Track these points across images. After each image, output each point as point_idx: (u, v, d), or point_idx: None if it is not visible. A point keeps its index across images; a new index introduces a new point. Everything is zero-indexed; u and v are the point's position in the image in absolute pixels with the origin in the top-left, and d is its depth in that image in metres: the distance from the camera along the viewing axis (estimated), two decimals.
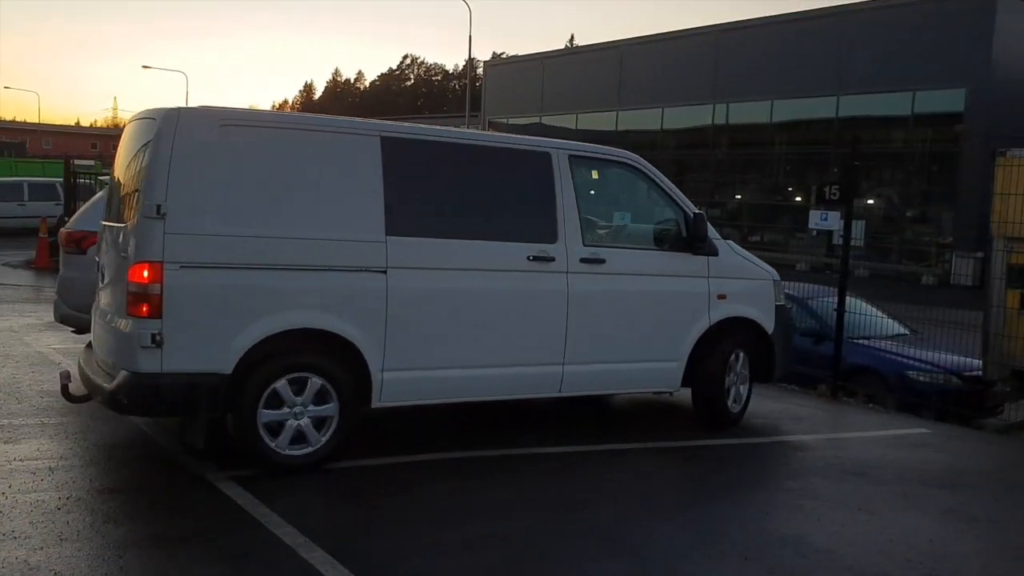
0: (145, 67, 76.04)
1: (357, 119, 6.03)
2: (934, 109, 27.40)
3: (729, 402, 7.10)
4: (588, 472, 5.98)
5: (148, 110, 5.63)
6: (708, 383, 6.93)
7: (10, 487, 5.06)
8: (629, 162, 6.85)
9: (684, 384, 6.93)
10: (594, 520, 5.05)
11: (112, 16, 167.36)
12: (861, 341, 9.70)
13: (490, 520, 4.97)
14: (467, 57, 51.30)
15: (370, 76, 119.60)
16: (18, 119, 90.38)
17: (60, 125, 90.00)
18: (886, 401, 9.04)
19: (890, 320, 10.62)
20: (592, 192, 7.29)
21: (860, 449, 7.04)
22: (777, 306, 7.29)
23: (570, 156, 6.40)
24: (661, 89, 35.05)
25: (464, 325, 5.86)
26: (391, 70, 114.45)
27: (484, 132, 6.97)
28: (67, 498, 5.00)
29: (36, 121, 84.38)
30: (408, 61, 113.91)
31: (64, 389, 5.62)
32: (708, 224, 6.78)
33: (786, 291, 8.13)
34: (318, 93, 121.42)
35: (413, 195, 5.76)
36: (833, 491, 5.81)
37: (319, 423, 5.45)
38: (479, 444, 6.36)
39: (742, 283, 7.08)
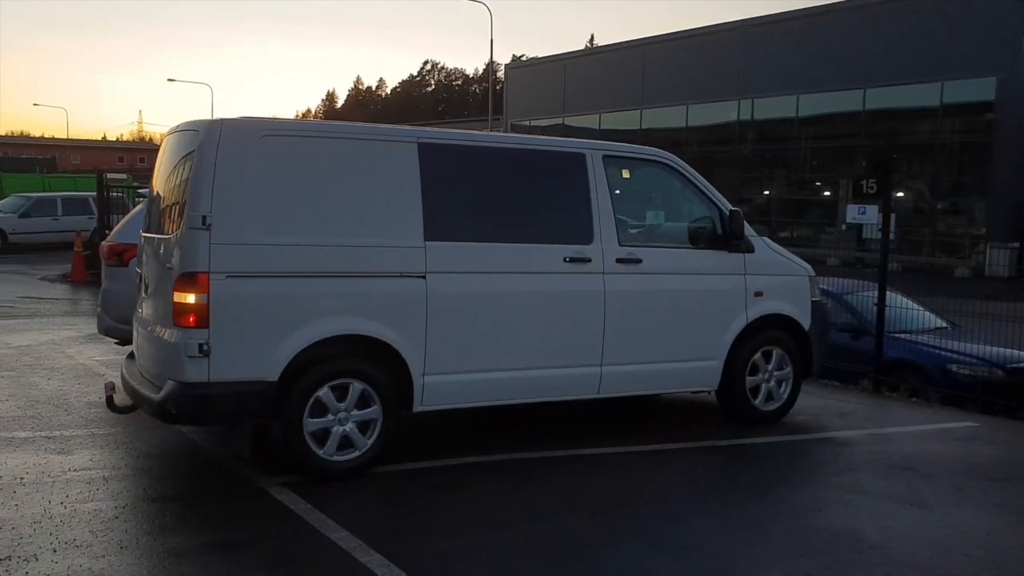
0: (170, 80, 77.03)
1: (395, 126, 6.09)
2: (964, 99, 27.04)
3: (757, 400, 7.00)
4: (633, 472, 5.97)
5: (188, 122, 5.71)
6: (729, 379, 6.84)
7: (67, 497, 5.14)
8: (663, 160, 6.84)
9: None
10: (643, 521, 5.04)
11: (136, 30, 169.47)
12: (901, 335, 9.59)
13: (540, 522, 4.97)
14: (487, 61, 51.34)
15: (391, 83, 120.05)
16: (47, 135, 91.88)
17: (88, 140, 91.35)
18: (929, 395, 8.93)
19: (929, 314, 10.50)
20: (627, 192, 7.23)
21: (907, 444, 6.96)
22: (813, 302, 7.24)
23: (604, 156, 6.41)
24: (685, 86, 34.90)
25: (502, 328, 5.89)
26: (412, 76, 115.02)
27: (518, 135, 6.85)
28: (123, 507, 5.07)
29: (65, 136, 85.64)
30: (428, 67, 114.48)
31: (109, 400, 5.66)
32: (744, 221, 6.75)
33: (821, 287, 8.06)
34: (340, 101, 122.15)
35: (450, 200, 5.79)
36: (882, 486, 5.76)
37: (363, 428, 5.49)
38: (522, 446, 6.36)
39: (778, 280, 7.04)
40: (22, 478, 5.42)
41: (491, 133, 7.35)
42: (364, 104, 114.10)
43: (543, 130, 44.29)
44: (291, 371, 5.25)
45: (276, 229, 5.22)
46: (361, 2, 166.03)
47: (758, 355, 6.96)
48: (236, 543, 4.57)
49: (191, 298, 5.04)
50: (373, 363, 5.52)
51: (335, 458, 5.43)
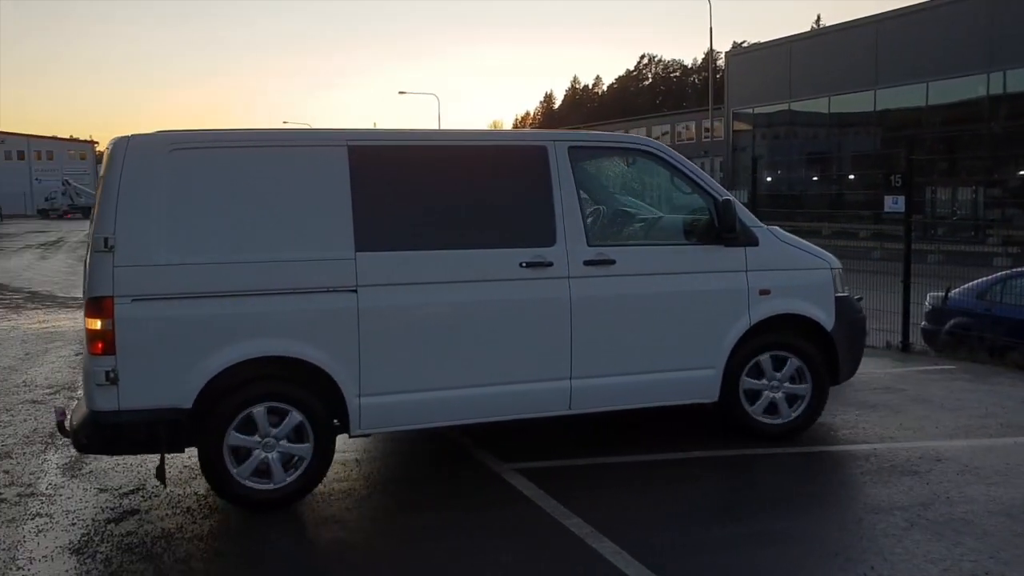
0: (401, 93, 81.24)
1: (323, 129, 5.46)
2: None
3: (752, 408, 6.11)
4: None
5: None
6: (724, 388, 6.01)
7: (327, 476, 5.62)
8: (645, 148, 6.10)
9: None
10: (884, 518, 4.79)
11: (369, 48, 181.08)
12: None
13: (758, 519, 4.87)
14: (706, 50, 50.26)
15: (608, 80, 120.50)
16: None
17: None
18: None
19: None
20: (602, 186, 6.70)
21: None
22: (838, 298, 6.28)
23: (570, 148, 5.72)
24: (924, 62, 32.37)
25: (449, 343, 5.37)
26: (628, 72, 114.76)
27: (470, 130, 5.96)
28: (372, 487, 5.52)
29: None
30: (645, 61, 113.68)
31: (59, 425, 5.21)
32: (740, 211, 5.94)
33: None
34: (558, 102, 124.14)
35: (387, 206, 5.33)
36: None
37: (288, 459, 5.09)
38: (719, 444, 6.23)
39: (790, 275, 6.13)
40: None
41: (435, 130, 6.44)
42: (581, 103, 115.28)
43: (768, 117, 42.87)
44: (207, 397, 4.92)
45: (188, 248, 4.91)
46: (577, 3, 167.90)
47: (765, 357, 6.09)
48: (474, 524, 4.83)
49: (97, 324, 4.77)
50: (301, 385, 5.13)
51: (257, 485, 5.03)
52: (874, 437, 6.39)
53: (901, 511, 4.90)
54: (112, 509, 5.12)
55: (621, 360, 5.72)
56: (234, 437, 4.96)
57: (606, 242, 5.80)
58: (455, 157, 5.64)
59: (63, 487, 5.49)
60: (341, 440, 6.29)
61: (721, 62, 53.48)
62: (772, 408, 6.17)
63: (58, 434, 5.45)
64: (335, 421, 5.22)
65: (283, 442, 5.06)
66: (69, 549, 4.58)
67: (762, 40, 46.54)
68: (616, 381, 5.73)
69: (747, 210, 6.11)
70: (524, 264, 5.46)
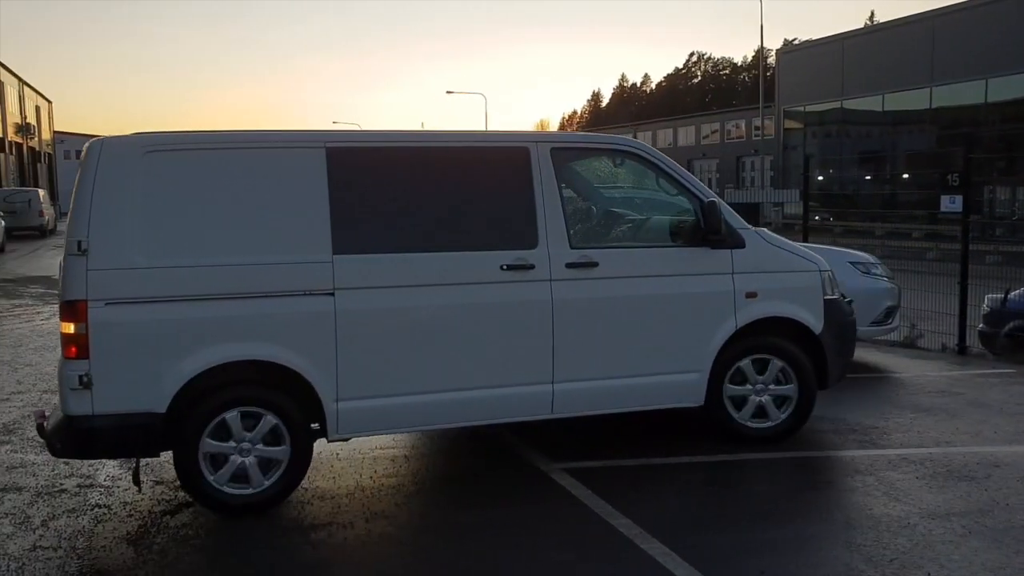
0: (448, 92, 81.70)
1: (302, 131, 5.47)
2: None
3: (738, 413, 6.03)
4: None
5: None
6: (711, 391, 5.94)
7: (375, 472, 5.72)
8: (629, 149, 6.04)
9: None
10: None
11: (415, 45, 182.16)
12: None
13: (806, 522, 4.80)
14: (757, 47, 49.74)
15: (656, 78, 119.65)
16: None
17: None
18: None
19: None
20: (587, 187, 6.60)
21: None
22: (827, 300, 6.17)
23: (553, 149, 5.65)
24: (983, 59, 31.60)
25: (428, 346, 5.30)
26: (677, 70, 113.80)
27: (452, 131, 5.74)
28: (420, 484, 5.57)
29: None
30: (694, 58, 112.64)
31: (39, 428, 5.20)
32: (726, 212, 5.85)
33: None
34: (605, 101, 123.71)
35: (365, 208, 5.26)
36: None
37: (267, 464, 5.03)
38: (770, 446, 6.14)
39: (778, 277, 6.04)
40: (338, 454, 6.07)
41: (416, 131, 6.40)
42: (629, 101, 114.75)
43: (820, 115, 42.23)
44: (182, 402, 4.88)
45: (163, 251, 4.86)
46: (626, 2, 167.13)
47: (746, 362, 6.00)
48: (522, 523, 4.84)
49: (71, 328, 4.75)
50: (278, 390, 5.07)
51: (234, 491, 4.97)
52: (929, 441, 6.27)
53: (958, 517, 4.80)
54: (168, 501, 5.23)
55: (604, 364, 5.66)
56: (208, 444, 4.92)
57: (589, 244, 5.75)
58: (436, 159, 5.57)
59: (121, 479, 5.62)
60: (389, 437, 6.40)
61: (772, 60, 52.86)
62: (760, 412, 6.10)
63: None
64: (314, 425, 5.17)
65: (259, 446, 5.00)
66: (127, 540, 4.69)
67: (813, 37, 45.90)
68: (599, 385, 5.66)
69: (733, 212, 6.06)
70: (505, 267, 5.40)
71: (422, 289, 5.29)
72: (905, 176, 36.26)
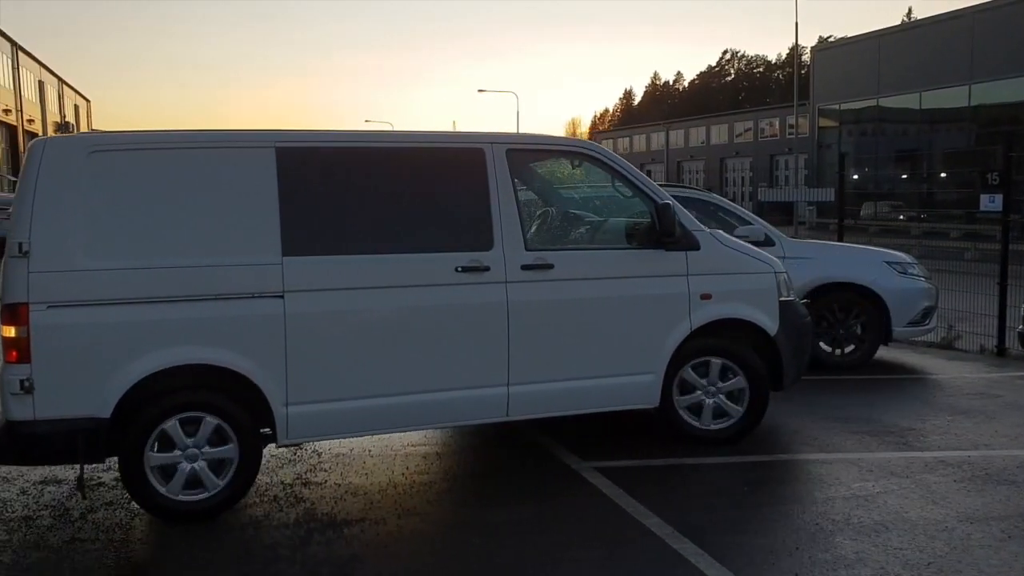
0: (480, 91, 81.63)
1: (251, 130, 5.39)
2: None
3: (688, 414, 6.05)
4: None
5: None
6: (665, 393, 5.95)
7: (407, 468, 5.75)
8: (584, 151, 6.05)
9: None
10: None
11: (448, 43, 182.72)
12: None
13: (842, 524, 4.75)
14: (791, 45, 49.24)
15: (689, 76, 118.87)
16: None
17: None
18: None
19: None
20: (542, 189, 6.54)
21: None
22: (782, 302, 6.15)
23: (508, 150, 5.59)
24: None
25: (381, 349, 5.23)
26: (710, 67, 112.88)
27: (406, 132, 5.64)
28: (451, 481, 5.60)
29: None
30: (728, 56, 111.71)
31: None
32: (680, 215, 5.82)
33: None
34: (637, 99, 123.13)
35: (315, 210, 5.19)
36: None
37: (217, 465, 4.95)
38: (803, 448, 6.08)
39: (733, 279, 6.03)
40: (370, 450, 6.12)
41: (368, 131, 6.32)
42: (661, 99, 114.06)
43: (855, 113, 41.74)
44: (127, 406, 4.79)
45: (107, 253, 4.76)
46: (659, 0, 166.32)
47: (699, 362, 6.01)
48: (553, 520, 4.84)
49: (12, 331, 4.65)
50: (225, 394, 4.99)
51: (181, 497, 4.88)
52: (967, 444, 6.18)
53: (997, 521, 4.73)
54: None
55: (559, 366, 5.62)
56: (154, 457, 4.83)
57: (545, 246, 5.76)
58: (389, 159, 5.50)
59: None
60: (419, 434, 6.43)
61: (806, 57, 52.32)
62: (718, 412, 6.09)
63: None
64: (265, 430, 5.12)
65: (206, 448, 4.92)
66: (163, 532, 4.76)
67: (849, 35, 45.37)
68: (554, 387, 5.62)
69: (688, 214, 6.04)
70: (460, 268, 5.36)
71: (375, 291, 5.23)
72: (943, 175, 35.72)
